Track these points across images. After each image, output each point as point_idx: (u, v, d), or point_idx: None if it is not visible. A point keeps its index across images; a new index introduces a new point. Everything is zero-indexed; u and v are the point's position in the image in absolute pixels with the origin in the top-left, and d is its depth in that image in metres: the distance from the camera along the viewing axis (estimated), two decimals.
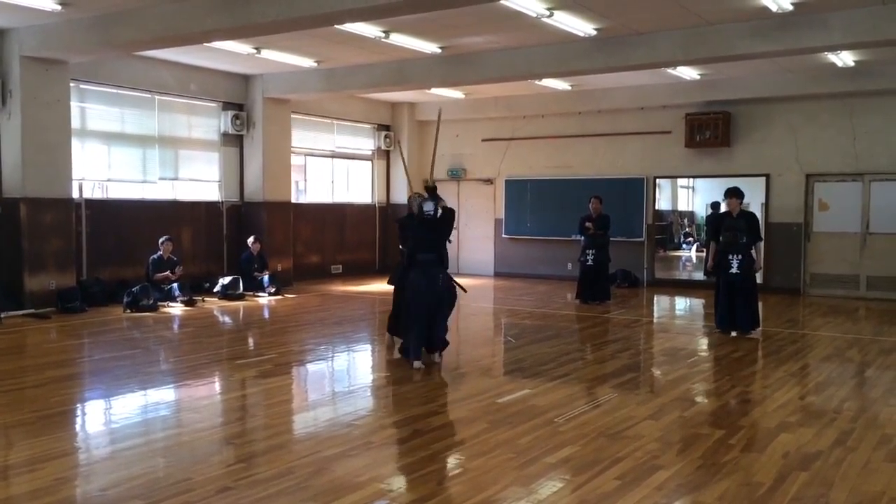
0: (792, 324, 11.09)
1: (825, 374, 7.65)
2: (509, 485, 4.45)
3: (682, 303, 13.89)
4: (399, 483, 4.57)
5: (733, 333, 9.65)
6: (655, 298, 14.13)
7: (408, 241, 8.06)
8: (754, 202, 15.66)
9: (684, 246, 18.19)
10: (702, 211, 16.44)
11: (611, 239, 12.97)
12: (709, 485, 4.48)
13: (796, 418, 5.93)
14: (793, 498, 4.28)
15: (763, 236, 9.94)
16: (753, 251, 9.67)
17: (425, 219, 7.85)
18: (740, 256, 9.56)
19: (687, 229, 18.12)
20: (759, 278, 10.12)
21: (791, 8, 9.28)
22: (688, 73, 13.50)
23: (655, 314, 12.81)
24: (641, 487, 4.40)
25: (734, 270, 9.58)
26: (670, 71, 13.05)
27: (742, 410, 6.18)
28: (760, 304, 10.26)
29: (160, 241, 12.12)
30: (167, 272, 11.96)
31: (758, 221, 9.92)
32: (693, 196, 17.17)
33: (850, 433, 5.52)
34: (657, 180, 15.67)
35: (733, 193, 9.71)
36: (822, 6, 9.32)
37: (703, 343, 9.75)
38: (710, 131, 14.59)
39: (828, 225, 14.10)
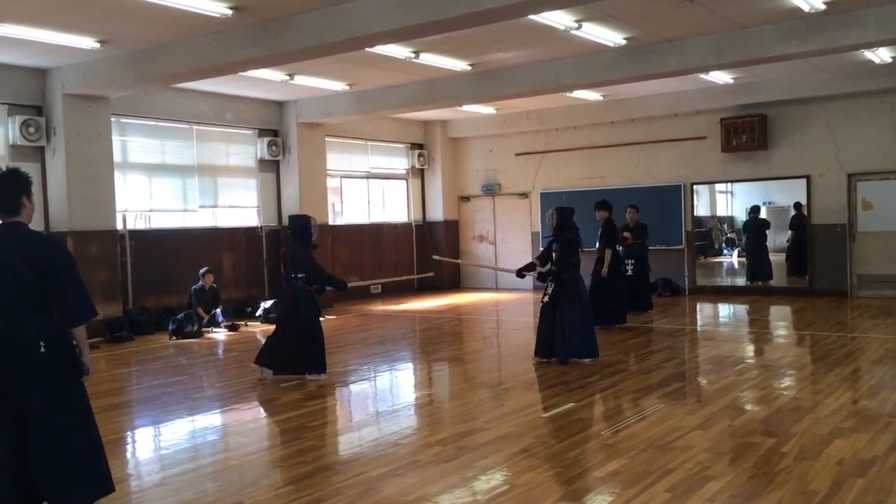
0: (840, 327, 10.85)
1: (877, 378, 7.48)
2: (558, 500, 4.41)
3: (725, 309, 13.69)
4: (447, 501, 4.56)
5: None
6: (698, 306, 13.93)
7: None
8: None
9: (725, 251, 17.93)
10: (742, 215, 16.23)
11: (649, 248, 12.87)
12: (762, 495, 4.40)
13: (850, 424, 5.80)
14: None
15: (615, 244, 11.13)
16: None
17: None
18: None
19: (729, 234, 17.86)
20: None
21: (823, 7, 9.15)
22: (721, 77, 13.37)
23: (699, 322, 12.64)
24: (693, 499, 4.34)
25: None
26: (703, 76, 12.94)
27: (793, 417, 6.05)
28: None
29: (200, 272, 12.23)
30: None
31: (608, 230, 11.05)
32: (732, 201, 16.97)
33: None
34: (694, 186, 15.51)
35: (600, 206, 11.04)
36: (855, 3, 9.18)
37: (750, 350, 9.59)
38: (746, 135, 14.42)
39: (873, 224, 13.80)
